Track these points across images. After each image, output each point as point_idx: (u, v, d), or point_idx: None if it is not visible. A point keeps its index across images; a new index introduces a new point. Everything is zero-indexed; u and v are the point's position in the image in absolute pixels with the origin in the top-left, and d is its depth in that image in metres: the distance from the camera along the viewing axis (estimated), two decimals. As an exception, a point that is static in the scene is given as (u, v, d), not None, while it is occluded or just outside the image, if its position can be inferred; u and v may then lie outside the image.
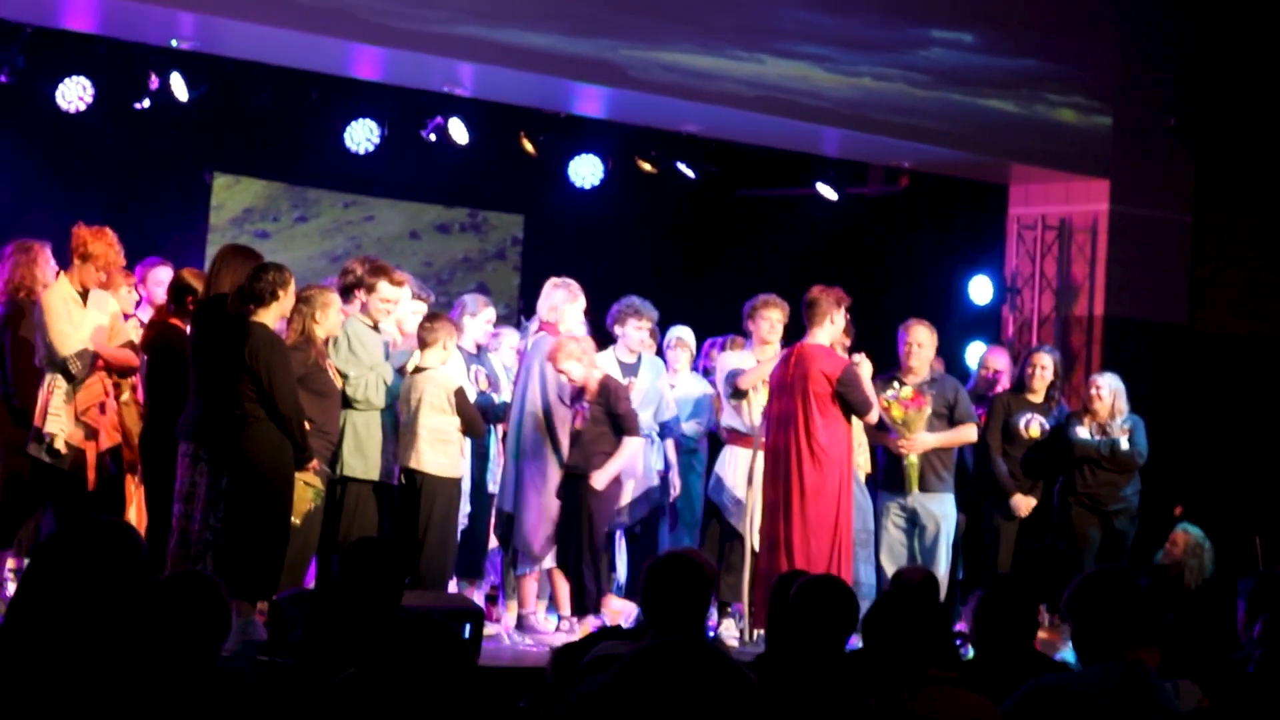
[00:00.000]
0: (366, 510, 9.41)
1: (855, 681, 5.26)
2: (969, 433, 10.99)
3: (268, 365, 8.61)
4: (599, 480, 9.89)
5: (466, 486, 9.93)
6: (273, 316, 8.77)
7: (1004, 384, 11.83)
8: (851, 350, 10.40)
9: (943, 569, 10.69)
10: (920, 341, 10.86)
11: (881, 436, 10.81)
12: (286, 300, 8.82)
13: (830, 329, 10.08)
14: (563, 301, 10.39)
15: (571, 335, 10.11)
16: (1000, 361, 12.04)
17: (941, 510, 10.82)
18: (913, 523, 10.84)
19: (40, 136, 12.83)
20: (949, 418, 10.85)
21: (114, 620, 4.25)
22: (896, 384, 10.72)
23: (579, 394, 9.96)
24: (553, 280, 10.55)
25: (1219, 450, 14.11)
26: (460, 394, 9.56)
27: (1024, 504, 11.35)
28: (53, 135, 12.78)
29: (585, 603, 9.93)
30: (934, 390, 10.81)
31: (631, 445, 10.02)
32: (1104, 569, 5.27)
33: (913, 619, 4.82)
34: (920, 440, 10.67)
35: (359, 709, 3.60)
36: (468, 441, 9.82)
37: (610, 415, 9.91)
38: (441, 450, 9.51)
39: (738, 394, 10.46)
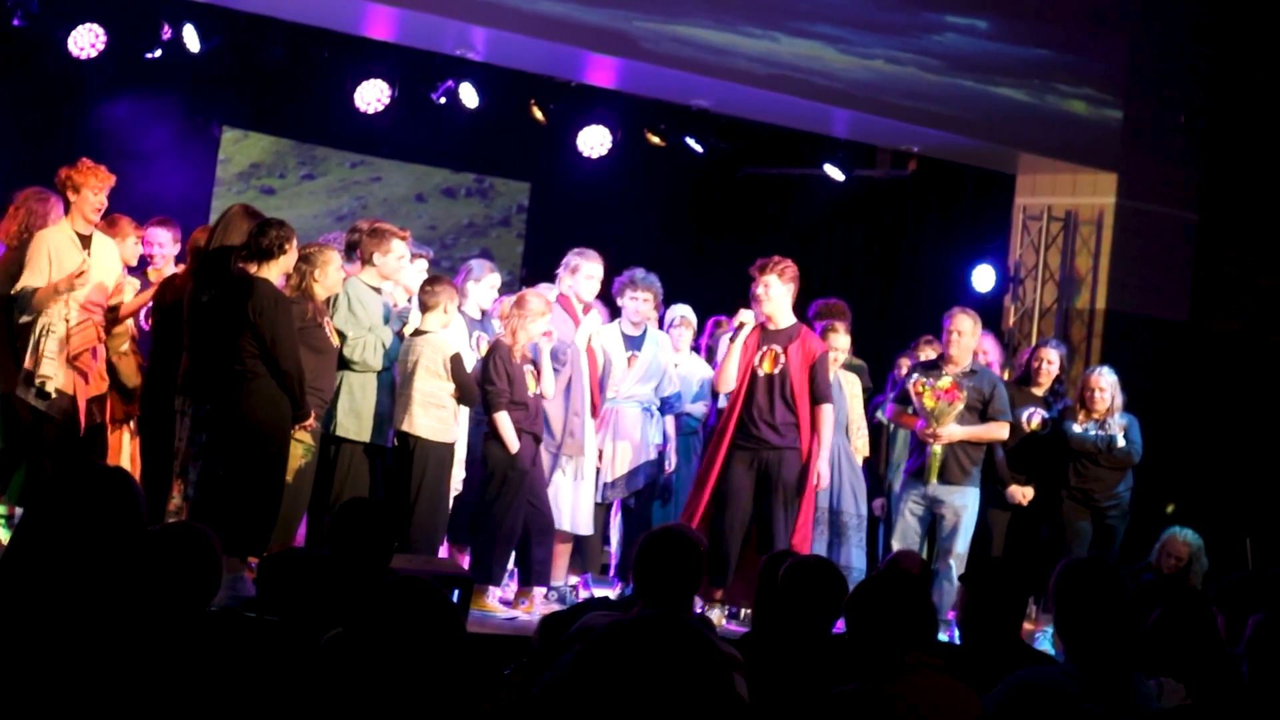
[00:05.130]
0: (359, 471, 9.42)
1: (840, 664, 5.26)
2: (1000, 430, 10.82)
3: (271, 322, 8.62)
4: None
5: (462, 453, 9.90)
6: (276, 273, 8.79)
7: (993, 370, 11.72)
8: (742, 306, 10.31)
9: (956, 563, 10.58)
10: (961, 330, 10.72)
11: (910, 420, 10.75)
12: (290, 256, 8.86)
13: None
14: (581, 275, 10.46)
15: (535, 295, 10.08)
16: (986, 344, 11.85)
17: (962, 502, 10.65)
18: (931, 512, 10.76)
19: (51, 83, 12.79)
20: (981, 412, 10.74)
21: (109, 569, 4.25)
22: (937, 372, 10.64)
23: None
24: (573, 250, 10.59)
25: (1214, 449, 14.11)
26: (456, 360, 9.51)
27: (1020, 493, 11.31)
28: (63, 82, 12.75)
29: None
30: (971, 383, 10.67)
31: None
32: (1091, 560, 5.26)
33: (896, 604, 4.81)
34: (947, 431, 10.58)
35: (345, 669, 3.60)
36: (465, 409, 9.79)
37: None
38: (434, 414, 9.47)
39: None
